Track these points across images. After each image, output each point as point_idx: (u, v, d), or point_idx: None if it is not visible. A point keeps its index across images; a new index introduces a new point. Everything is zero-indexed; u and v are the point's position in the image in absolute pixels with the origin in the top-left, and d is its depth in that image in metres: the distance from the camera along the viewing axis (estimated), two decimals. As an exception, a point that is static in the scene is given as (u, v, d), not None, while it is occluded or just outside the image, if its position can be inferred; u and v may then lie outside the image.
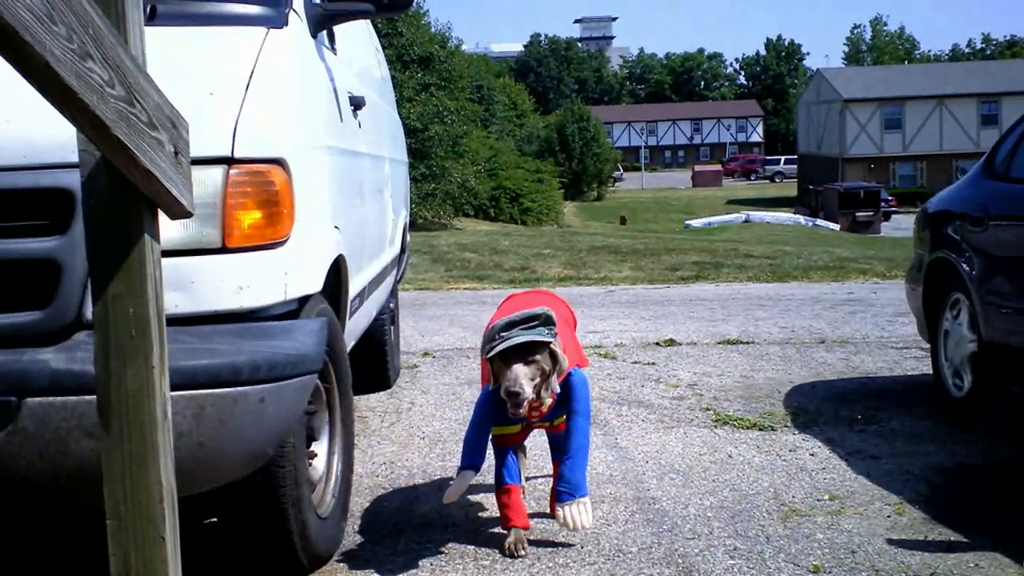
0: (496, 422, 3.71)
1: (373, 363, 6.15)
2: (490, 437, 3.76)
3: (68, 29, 1.50)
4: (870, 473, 4.50)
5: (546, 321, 3.48)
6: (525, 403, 3.38)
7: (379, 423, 5.55)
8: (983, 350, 5.06)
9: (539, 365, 3.44)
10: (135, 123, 1.76)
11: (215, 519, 3.66)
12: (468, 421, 3.83)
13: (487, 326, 3.61)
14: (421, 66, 37.98)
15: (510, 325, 3.44)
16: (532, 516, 3.87)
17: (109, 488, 1.95)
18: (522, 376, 3.36)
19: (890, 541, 3.69)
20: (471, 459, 3.70)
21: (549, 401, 3.59)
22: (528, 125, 69.01)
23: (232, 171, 2.86)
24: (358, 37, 5.53)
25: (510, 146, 55.95)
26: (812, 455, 4.81)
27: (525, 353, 3.41)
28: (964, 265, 5.23)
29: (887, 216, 48.06)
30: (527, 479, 4.29)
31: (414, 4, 4.04)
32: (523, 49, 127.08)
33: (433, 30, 42.80)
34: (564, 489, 3.67)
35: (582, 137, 69.58)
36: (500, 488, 3.76)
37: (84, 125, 1.65)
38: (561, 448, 3.76)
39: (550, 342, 3.48)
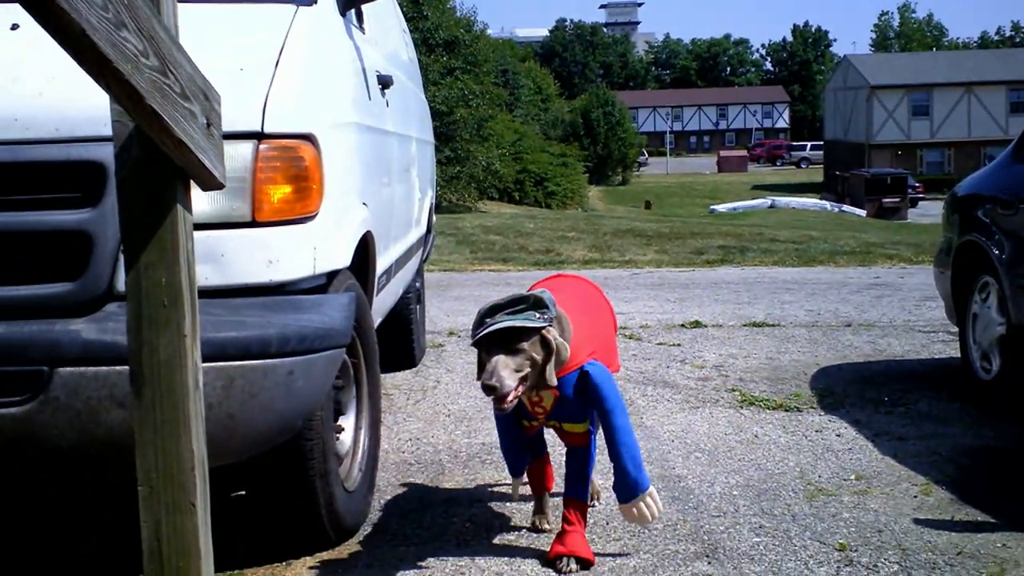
0: (518, 419, 3.54)
1: (399, 341, 6.17)
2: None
3: (104, -3, 1.51)
4: (896, 454, 4.49)
5: (536, 304, 3.15)
6: (508, 399, 3.07)
7: (405, 400, 5.58)
8: (1012, 333, 5.04)
9: (526, 355, 3.11)
10: (168, 93, 1.77)
11: (243, 492, 3.69)
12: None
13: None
14: (446, 50, 37.93)
15: (494, 309, 3.14)
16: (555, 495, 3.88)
17: (141, 456, 1.97)
18: (501, 367, 3.05)
19: (917, 521, 3.68)
20: (514, 465, 3.68)
21: (551, 397, 3.33)
22: (553, 109, 68.76)
23: (262, 146, 2.88)
24: (386, 18, 5.54)
25: (535, 130, 55.82)
26: (838, 436, 4.80)
27: (508, 340, 3.09)
28: (994, 248, 5.20)
29: (914, 203, 47.77)
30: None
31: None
32: (548, 34, 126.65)
33: (459, 14, 42.72)
34: (625, 493, 3.35)
35: (607, 122, 69.41)
36: (530, 462, 3.68)
37: (119, 95, 1.67)
38: (609, 453, 3.37)
39: (540, 327, 3.14)
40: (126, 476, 2.48)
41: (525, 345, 3.11)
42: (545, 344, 3.16)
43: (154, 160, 1.88)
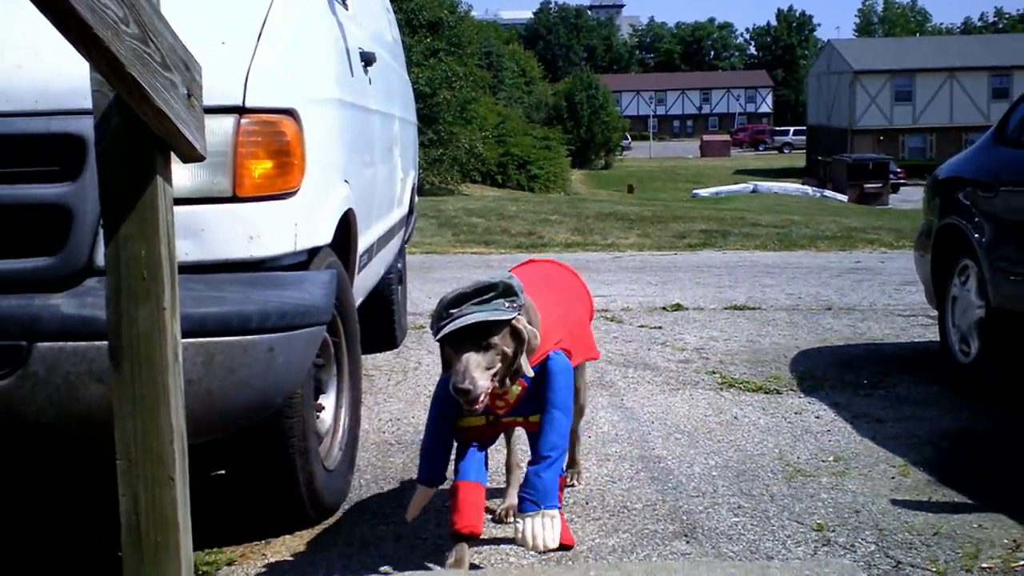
0: (459, 413, 3.10)
1: (380, 322, 6.16)
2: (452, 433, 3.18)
3: (83, -37, 1.50)
4: (875, 436, 4.51)
5: (505, 292, 2.88)
6: (480, 399, 2.83)
7: (386, 381, 5.57)
8: (991, 316, 5.06)
9: (497, 349, 2.86)
10: (149, 62, 1.76)
11: (223, 472, 3.68)
12: None
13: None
14: (430, 31, 37.80)
15: (460, 299, 2.86)
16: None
17: (120, 429, 1.96)
18: (473, 367, 2.79)
19: (894, 502, 3.70)
20: (429, 471, 3.15)
21: (517, 389, 3.05)
22: (536, 92, 68.69)
23: (243, 120, 2.86)
24: (369, -4, 5.51)
25: (518, 113, 55.75)
26: (817, 418, 4.82)
27: (479, 336, 2.83)
28: (974, 231, 5.22)
29: (895, 188, 47.97)
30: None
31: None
32: (532, 16, 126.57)
33: (443, -5, 42.58)
34: (528, 496, 2.98)
35: (590, 105, 69.45)
36: (454, 483, 3.11)
37: (98, 63, 1.65)
38: (532, 447, 3.11)
39: (510, 319, 2.88)
40: (105, 452, 2.48)
41: (496, 339, 2.86)
42: (516, 335, 2.91)
43: (134, 130, 1.87)
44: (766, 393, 5.29)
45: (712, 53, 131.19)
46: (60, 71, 2.75)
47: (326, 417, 3.61)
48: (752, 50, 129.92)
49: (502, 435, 3.51)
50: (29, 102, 2.74)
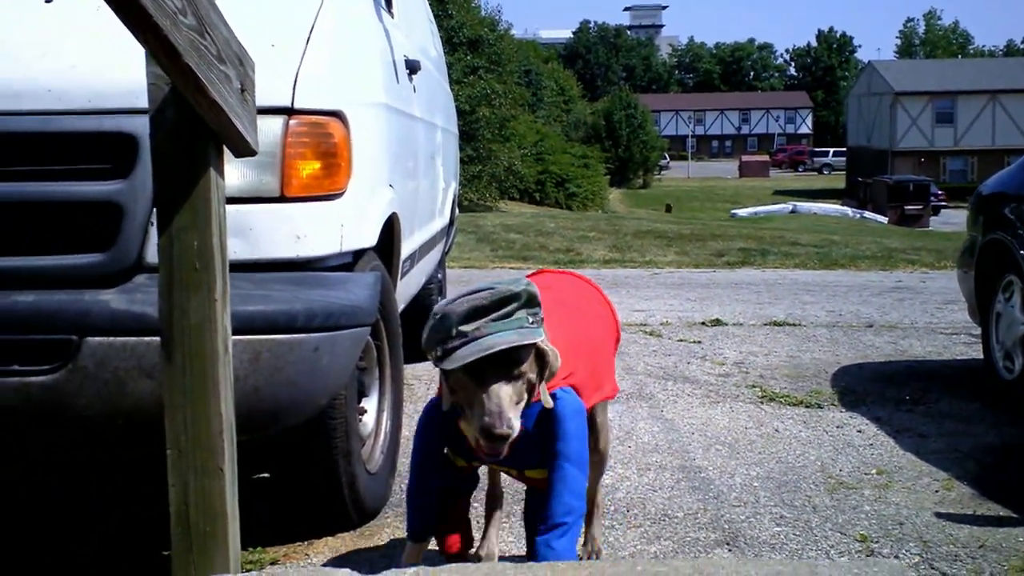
0: (451, 449, 2.73)
1: (420, 332, 6.16)
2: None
3: (145, -49, 1.52)
4: (918, 450, 4.47)
5: (528, 303, 2.41)
6: (507, 446, 2.34)
7: (425, 390, 5.58)
8: (1036, 332, 5.02)
9: (525, 379, 2.39)
10: (205, 54, 1.78)
11: (266, 474, 3.71)
12: None
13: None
14: (470, 49, 37.99)
15: (475, 314, 2.35)
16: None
17: (170, 419, 1.98)
18: (508, 404, 2.31)
19: (938, 515, 3.67)
20: (421, 522, 2.75)
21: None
22: (575, 111, 68.83)
23: (292, 121, 2.89)
24: (414, 8, 5.56)
25: (557, 131, 55.84)
26: (859, 432, 4.79)
27: (508, 363, 2.34)
28: (1019, 246, 5.17)
29: (936, 211, 47.58)
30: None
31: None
32: (572, 35, 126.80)
33: (483, 13, 42.80)
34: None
35: (629, 124, 69.39)
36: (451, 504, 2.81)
37: (156, 51, 1.68)
38: (538, 510, 2.59)
39: (537, 341, 2.41)
40: (152, 448, 2.50)
41: (525, 366, 2.39)
42: (541, 358, 2.45)
43: (189, 123, 1.89)
44: (807, 407, 5.26)
45: (752, 74, 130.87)
46: (112, 72, 2.79)
47: (368, 420, 3.62)
48: (792, 71, 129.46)
49: None
50: (82, 101, 2.77)
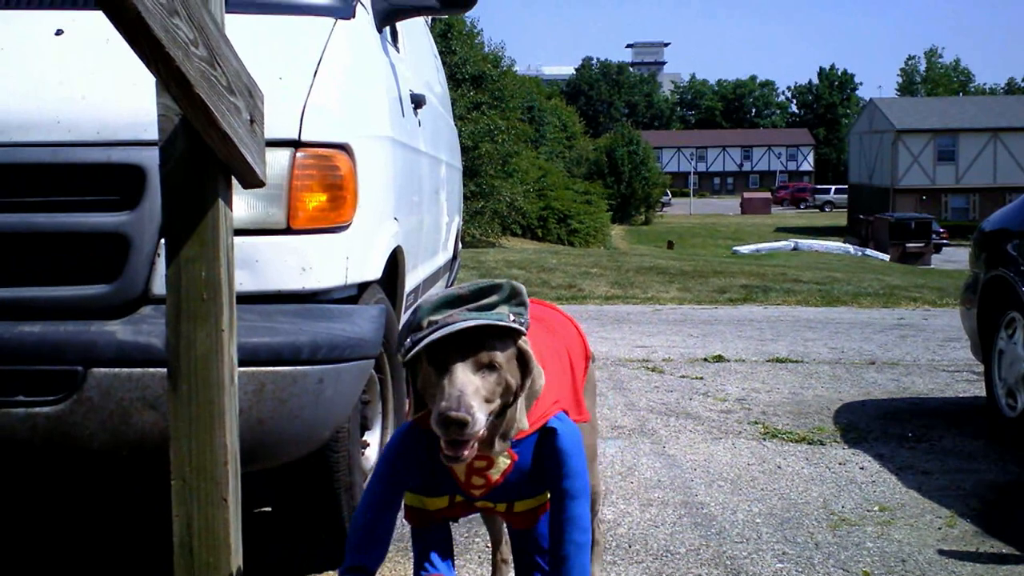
0: (412, 485, 2.33)
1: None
2: (402, 510, 2.35)
3: (158, -16, 1.54)
4: (921, 487, 4.46)
5: (511, 297, 2.16)
6: (472, 443, 2.05)
7: (427, 424, 5.58)
8: (1039, 369, 5.02)
9: (499, 377, 2.10)
10: (216, 85, 1.80)
11: (268, 508, 3.70)
12: None
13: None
14: (473, 85, 38.16)
15: (449, 303, 2.12)
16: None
17: (175, 449, 1.98)
18: (471, 391, 2.02)
19: (941, 552, 3.66)
20: (358, 554, 2.27)
21: (505, 462, 2.27)
22: (578, 147, 68.99)
23: (299, 154, 2.91)
24: (419, 42, 5.59)
25: (559, 167, 55.93)
26: (862, 468, 4.78)
27: (476, 348, 2.07)
28: (1022, 283, 5.18)
29: (938, 248, 47.61)
30: None
31: (474, 5, 4.07)
32: (574, 72, 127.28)
33: (486, 49, 43.03)
34: None
35: (631, 161, 69.54)
36: None
37: (168, 81, 1.69)
38: (549, 553, 2.33)
39: (520, 332, 2.15)
40: (155, 478, 2.50)
41: (499, 358, 2.10)
42: (523, 363, 2.17)
43: (198, 154, 1.91)
44: (809, 444, 5.25)
45: (753, 111, 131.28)
46: (120, 104, 2.82)
47: (371, 454, 3.62)
48: (794, 108, 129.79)
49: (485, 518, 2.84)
50: (91, 132, 2.79)
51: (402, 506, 2.35)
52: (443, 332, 2.05)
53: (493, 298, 2.15)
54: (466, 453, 2.05)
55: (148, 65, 1.63)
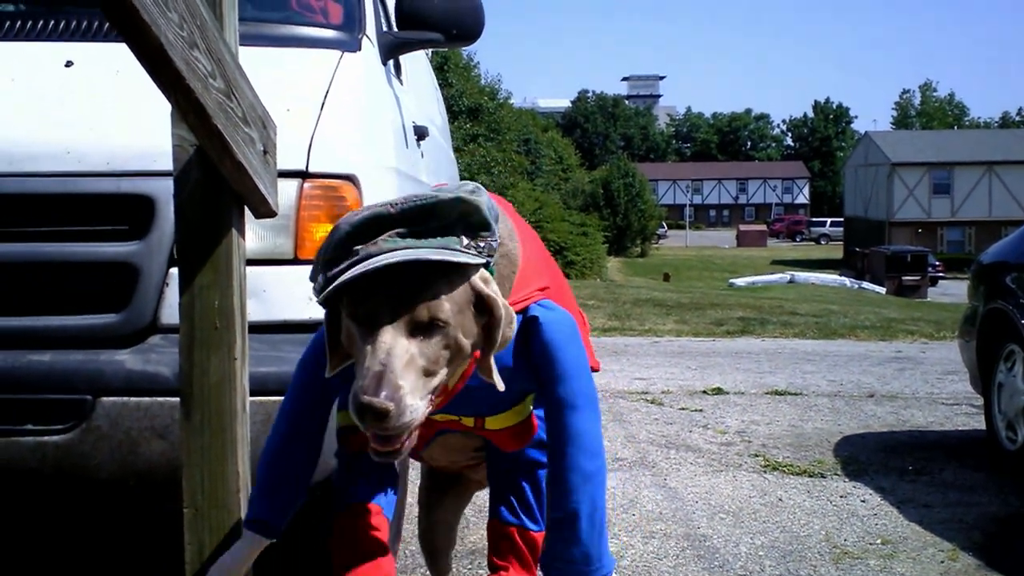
0: (341, 399, 1.98)
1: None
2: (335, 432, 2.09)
3: (180, 17, 1.56)
4: (922, 520, 4.46)
5: (467, 216, 1.66)
6: (407, 437, 1.61)
7: (428, 455, 5.57)
8: (1039, 402, 5.03)
9: (446, 337, 1.61)
10: (231, 116, 1.82)
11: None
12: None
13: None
14: (470, 117, 38.37)
15: (376, 223, 1.64)
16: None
17: (187, 478, 1.99)
18: (399, 365, 1.54)
19: (945, 584, 3.66)
20: (260, 500, 1.96)
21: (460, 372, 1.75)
22: (574, 179, 69.15)
23: (306, 184, 2.93)
24: (421, 76, 5.63)
25: (555, 199, 56.04)
26: (863, 501, 4.78)
27: (411, 299, 1.58)
28: (1020, 316, 5.20)
29: (934, 281, 47.68)
30: None
31: (478, 38, 4.10)
32: (570, 104, 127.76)
33: (483, 82, 43.26)
34: (567, 569, 1.89)
35: (627, 193, 69.66)
36: (336, 514, 2.16)
37: (186, 112, 1.71)
38: (550, 488, 1.88)
39: (479, 265, 1.66)
40: (163, 508, 2.50)
41: (447, 312, 1.60)
42: (485, 308, 1.67)
43: (213, 184, 1.92)
44: (810, 476, 5.26)
45: (749, 144, 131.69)
46: (130, 135, 2.83)
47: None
48: (789, 141, 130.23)
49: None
50: (101, 163, 2.81)
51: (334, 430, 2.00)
52: (360, 270, 1.56)
53: (441, 221, 1.63)
54: (397, 449, 1.61)
55: (168, 96, 1.65)
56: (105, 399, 2.63)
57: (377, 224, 1.62)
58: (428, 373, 1.58)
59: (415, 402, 1.54)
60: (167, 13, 1.50)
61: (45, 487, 2.67)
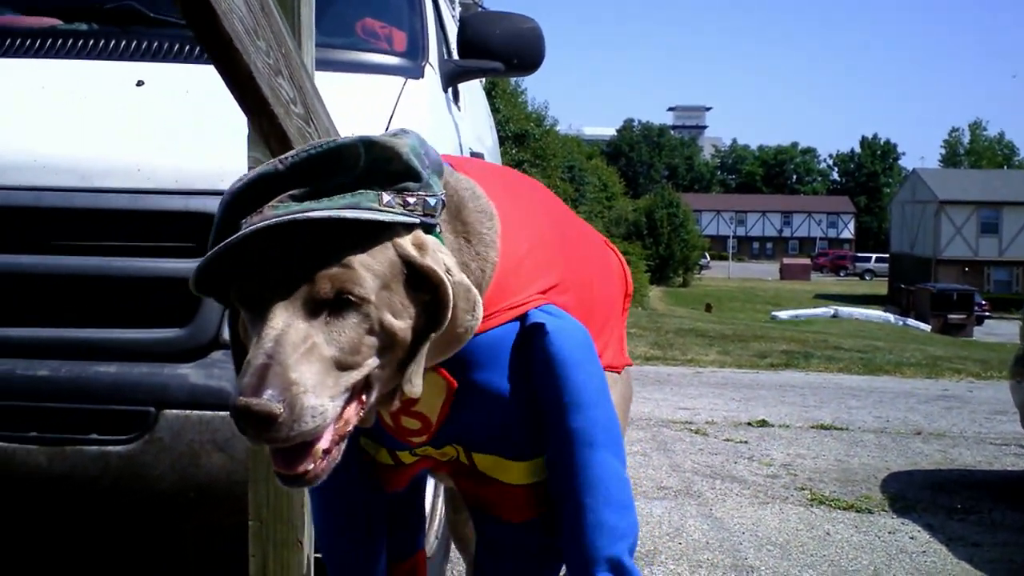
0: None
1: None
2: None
3: (267, 44, 1.61)
4: (972, 559, 4.43)
5: (382, 164, 1.38)
6: (317, 463, 1.34)
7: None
8: (1091, 444, 4.98)
9: (366, 317, 1.33)
10: (309, 141, 1.86)
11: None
12: None
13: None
14: (516, 143, 38.45)
15: (267, 184, 1.39)
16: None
17: (253, 491, 2.03)
18: (291, 356, 1.28)
19: (994, 625, 3.64)
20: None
21: (440, 389, 1.50)
22: (617, 207, 69.10)
23: (372, 207, 2.97)
24: (477, 102, 5.69)
25: (599, 227, 56.02)
26: (912, 538, 4.75)
27: (309, 267, 1.32)
28: (1074, 357, 5.16)
29: (980, 320, 47.21)
30: None
31: (538, 68, 4.14)
32: (616, 133, 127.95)
33: (529, 108, 43.37)
34: None
35: (671, 222, 69.56)
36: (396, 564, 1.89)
37: (268, 136, 1.76)
38: (564, 532, 1.52)
39: (408, 225, 1.39)
40: (221, 523, 2.54)
41: (366, 285, 1.31)
42: (420, 279, 1.37)
43: (287, 205, 1.96)
44: (857, 511, 5.23)
45: (795, 177, 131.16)
46: (199, 154, 2.89)
47: (424, 504, 3.64)
48: (835, 176, 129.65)
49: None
50: (170, 181, 2.87)
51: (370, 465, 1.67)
52: (240, 236, 1.31)
53: (344, 176, 1.31)
54: (313, 471, 1.30)
55: (251, 120, 1.70)
56: (168, 411, 2.67)
57: (265, 186, 1.33)
58: (341, 366, 1.26)
59: (319, 402, 1.23)
60: (256, 41, 1.54)
61: (106, 496, 2.71)
